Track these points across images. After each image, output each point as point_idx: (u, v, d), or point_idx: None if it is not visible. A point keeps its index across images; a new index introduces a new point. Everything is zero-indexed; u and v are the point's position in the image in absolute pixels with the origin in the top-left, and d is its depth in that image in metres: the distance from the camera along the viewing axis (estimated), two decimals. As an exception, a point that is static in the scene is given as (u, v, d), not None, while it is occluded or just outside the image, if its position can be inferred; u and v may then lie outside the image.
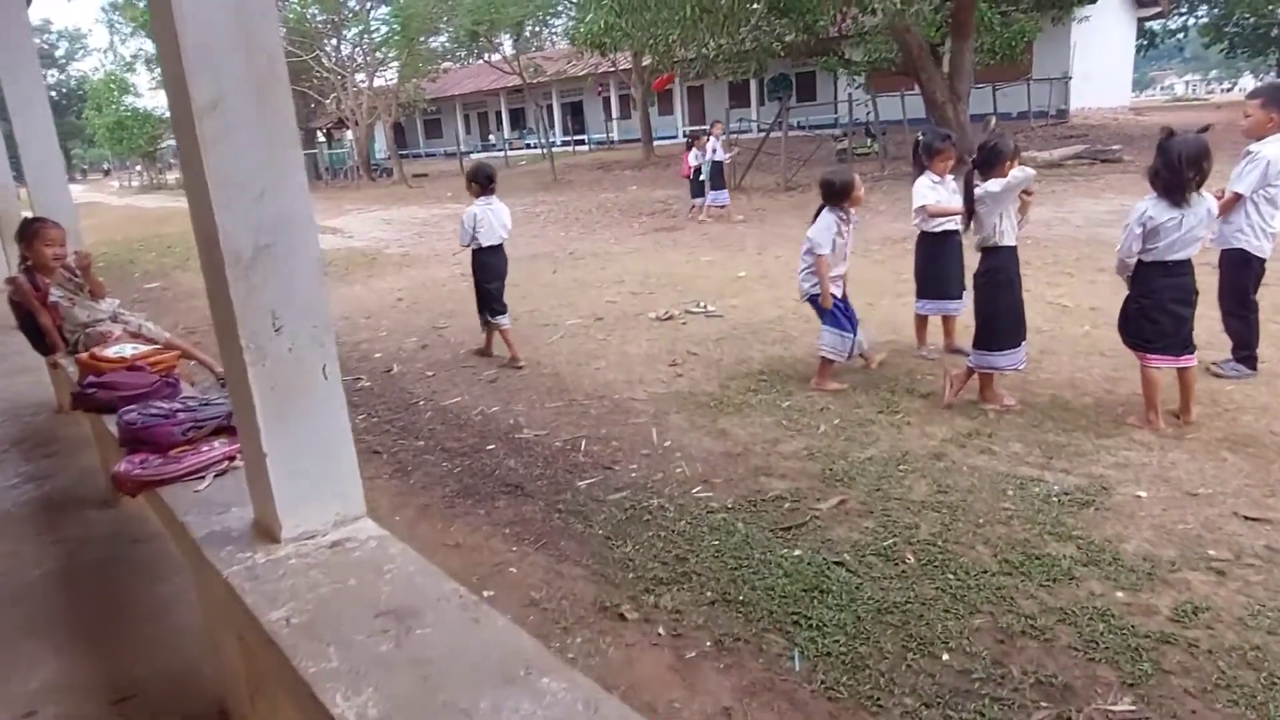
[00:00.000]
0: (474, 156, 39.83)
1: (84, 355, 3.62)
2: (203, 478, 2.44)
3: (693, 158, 13.76)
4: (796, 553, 3.21)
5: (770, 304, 7.38)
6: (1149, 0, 32.48)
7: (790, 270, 8.83)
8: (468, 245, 6.12)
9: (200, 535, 2.12)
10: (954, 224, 5.28)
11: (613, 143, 38.06)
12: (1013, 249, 4.38)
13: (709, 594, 2.97)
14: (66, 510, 3.78)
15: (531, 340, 6.77)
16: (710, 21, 13.88)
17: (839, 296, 4.98)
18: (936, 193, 5.18)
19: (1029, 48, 23.34)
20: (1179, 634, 2.55)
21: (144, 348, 3.75)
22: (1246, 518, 3.22)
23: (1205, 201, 3.84)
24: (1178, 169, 3.74)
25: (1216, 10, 38.54)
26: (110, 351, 3.62)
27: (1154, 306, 3.92)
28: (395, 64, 29.33)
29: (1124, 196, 12.15)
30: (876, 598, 2.86)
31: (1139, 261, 3.92)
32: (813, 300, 5.01)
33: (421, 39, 29.09)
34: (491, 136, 42.34)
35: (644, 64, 26.77)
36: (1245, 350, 4.68)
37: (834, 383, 5.03)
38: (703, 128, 15.76)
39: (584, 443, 4.50)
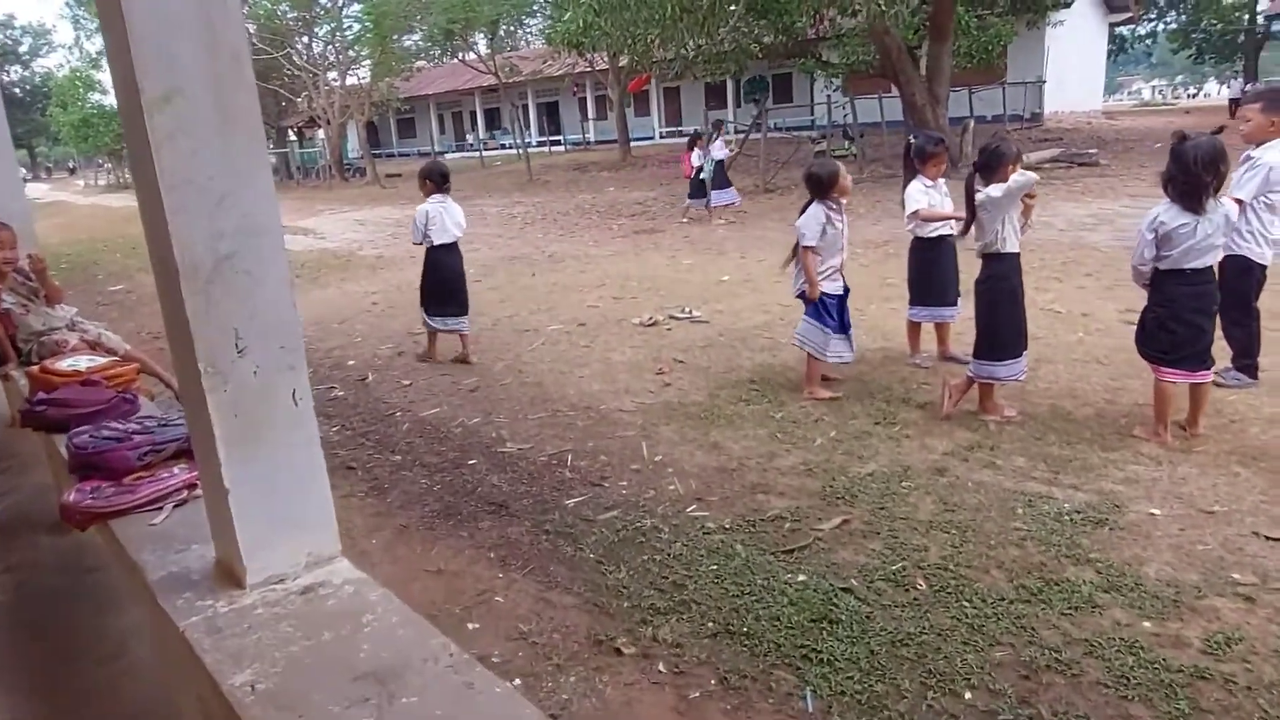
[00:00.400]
0: (448, 156, 39.46)
1: (34, 368, 3.37)
2: (160, 508, 2.22)
3: (695, 158, 13.60)
4: (801, 578, 3.03)
5: (756, 309, 7.21)
6: (1120, 6, 32.84)
7: (774, 274, 8.70)
8: (420, 243, 6.14)
9: (156, 578, 1.90)
10: (948, 229, 5.15)
11: (589, 143, 37.83)
12: (1016, 255, 4.24)
13: (711, 625, 2.79)
14: (17, 534, 3.51)
15: (512, 347, 6.55)
16: (690, 21, 13.73)
17: (832, 292, 4.82)
18: (929, 197, 5.04)
19: (1004, 52, 23.45)
20: (1213, 668, 2.40)
21: (101, 360, 3.50)
22: (1268, 538, 3.09)
23: (1223, 207, 3.71)
24: (1194, 173, 3.61)
25: (1185, 17, 39.10)
26: (64, 364, 3.37)
27: (1170, 316, 3.78)
28: (368, 62, 28.87)
29: (1103, 200, 12.17)
30: (889, 628, 2.69)
31: (1156, 270, 3.79)
32: (804, 296, 4.86)
33: (395, 37, 28.68)
34: (469, 136, 41.91)
35: (620, 64, 26.59)
36: (1247, 359, 4.58)
37: (825, 390, 4.88)
38: (697, 129, 15.60)
39: (570, 457, 4.29)
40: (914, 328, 5.37)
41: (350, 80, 31.93)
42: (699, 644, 2.69)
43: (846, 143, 22.39)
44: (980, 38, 20.71)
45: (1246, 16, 36.70)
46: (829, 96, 20.46)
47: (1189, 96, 69.16)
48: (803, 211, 4.83)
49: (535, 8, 31.56)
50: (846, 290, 4.92)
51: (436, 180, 6.08)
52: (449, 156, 39.63)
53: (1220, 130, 3.90)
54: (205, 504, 1.94)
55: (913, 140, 5.13)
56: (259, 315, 1.76)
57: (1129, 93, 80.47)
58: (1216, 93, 65.24)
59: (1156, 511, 3.35)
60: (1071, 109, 29.11)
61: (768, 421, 4.60)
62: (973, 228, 4.26)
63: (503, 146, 38.99)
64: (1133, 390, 4.71)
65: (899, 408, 4.67)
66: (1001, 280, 4.24)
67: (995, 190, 4.03)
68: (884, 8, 12.62)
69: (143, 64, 1.54)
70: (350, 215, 19.55)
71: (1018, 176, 4.06)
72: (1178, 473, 3.68)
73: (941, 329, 5.39)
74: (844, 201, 4.78)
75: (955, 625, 2.70)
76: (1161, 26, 42.36)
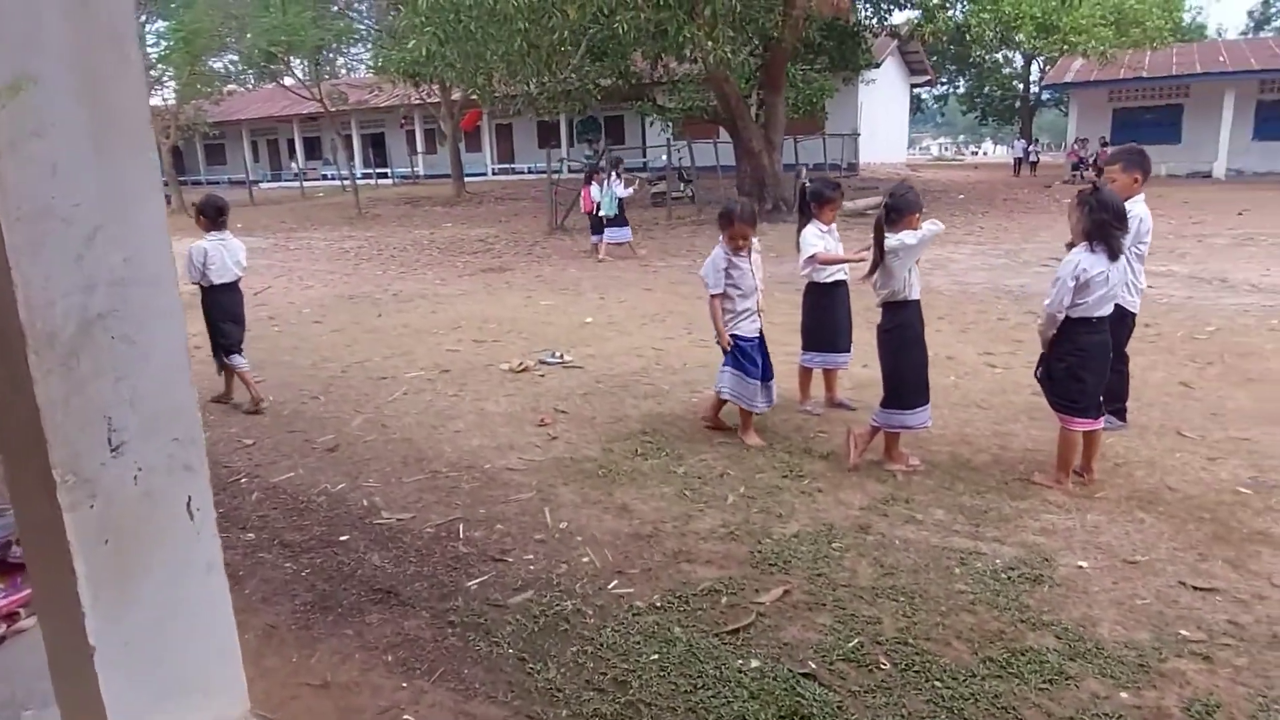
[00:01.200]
0: (264, 186, 37.00)
1: None
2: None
3: (595, 193, 13.14)
4: (755, 664, 2.71)
5: (628, 354, 6.94)
6: (919, 70, 35.98)
7: (638, 317, 8.50)
8: (196, 282, 5.51)
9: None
10: (843, 274, 5.10)
11: (418, 177, 36.70)
12: (918, 303, 4.21)
13: (669, 732, 2.41)
14: None
15: (370, 397, 5.90)
16: (535, 58, 13.49)
17: (747, 335, 4.62)
18: (825, 241, 4.97)
19: (824, 105, 24.93)
20: (1204, 742, 2.30)
21: None
22: (1195, 588, 3.11)
23: (1122, 258, 3.82)
24: (1116, 223, 3.69)
25: (971, 83, 43.44)
26: None
27: (1081, 365, 3.83)
28: (174, 83, 26.57)
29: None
30: (868, 720, 2.42)
31: (1065, 319, 3.83)
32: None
33: (204, 58, 26.58)
34: (295, 165, 39.48)
35: (454, 98, 25.97)
36: (1118, 403, 4.78)
37: (756, 437, 4.68)
38: (593, 164, 15.27)
39: (462, 527, 3.78)
40: (805, 374, 5.27)
41: (154, 100, 29.27)
42: (661, 758, 2.31)
43: (683, 185, 22.90)
44: (805, 90, 21.86)
45: (1022, 85, 41.27)
46: (669, 140, 20.81)
47: (971, 154, 76.98)
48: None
49: (363, 34, 30.35)
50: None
51: (211, 215, 5.56)
52: (265, 186, 37.20)
53: (1107, 184, 4.03)
54: (50, 658, 1.37)
55: (808, 184, 5.06)
56: (143, 398, 1.26)
57: (920, 148, 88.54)
58: (993, 151, 73.06)
59: (1084, 564, 3.31)
60: (881, 160, 31.39)
61: (671, 478, 4.29)
62: (877, 273, 4.18)
63: (325, 177, 37.08)
64: (1018, 435, 4.80)
65: (803, 459, 4.51)
66: (907, 328, 4.19)
67: (910, 237, 3.98)
68: (729, 56, 12.93)
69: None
70: (154, 246, 17.67)
71: (930, 225, 4.03)
72: (1088, 521, 3.70)
73: (830, 376, 5.33)
74: (750, 242, 4.59)
75: (933, 710, 2.47)
76: (952, 90, 46.83)
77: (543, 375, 6.35)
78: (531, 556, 3.50)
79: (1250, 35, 45.36)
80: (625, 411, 5.40)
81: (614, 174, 13.20)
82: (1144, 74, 27.41)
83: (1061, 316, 3.82)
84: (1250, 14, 50.19)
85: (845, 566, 3.33)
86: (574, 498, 4.07)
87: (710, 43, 12.93)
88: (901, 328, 4.17)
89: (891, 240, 4.00)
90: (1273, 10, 48.45)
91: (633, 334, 7.69)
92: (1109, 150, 26.91)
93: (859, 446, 4.33)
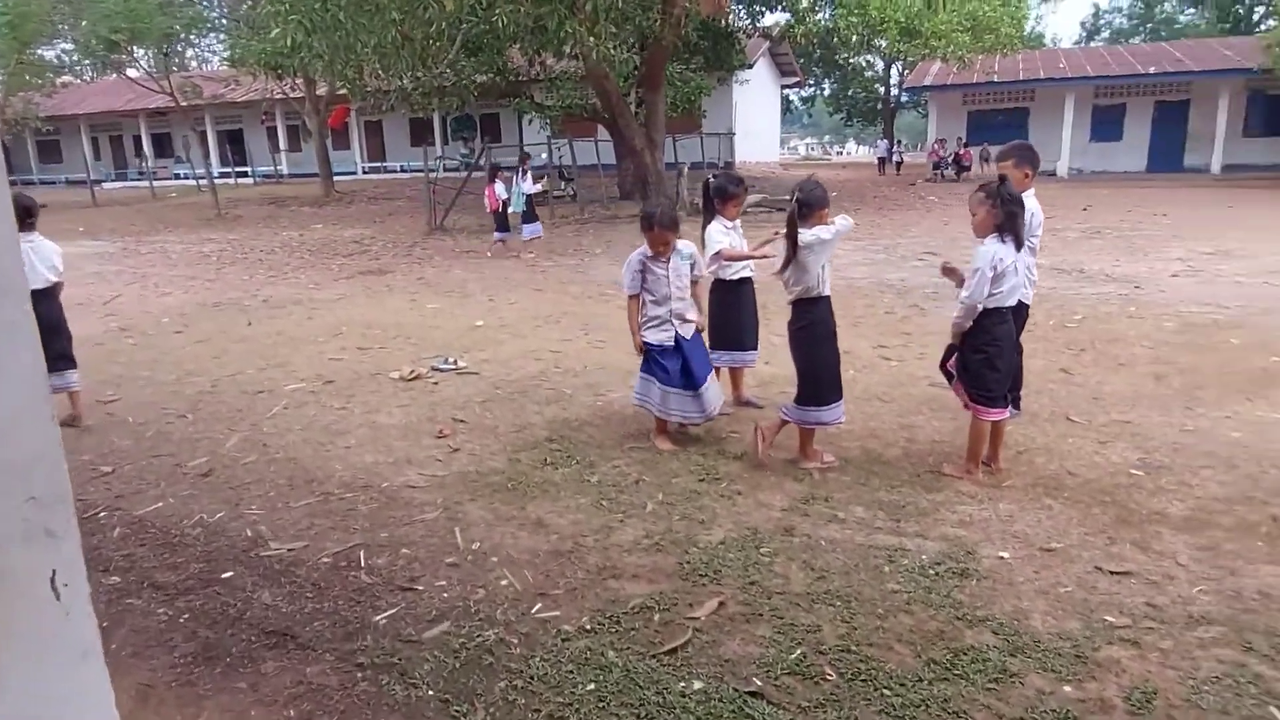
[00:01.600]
0: (108, 186, 34.27)
1: None
2: None
3: (499, 191, 12.99)
4: (698, 685, 2.56)
5: (525, 357, 6.68)
6: (789, 71, 37.01)
7: (531, 319, 8.24)
8: None
9: None
10: (749, 270, 5.03)
11: (281, 177, 34.88)
12: (829, 299, 4.17)
13: (617, 771, 2.22)
14: None
15: (245, 413, 5.41)
16: (410, 50, 12.94)
17: (656, 342, 4.46)
18: (730, 238, 4.88)
19: (701, 104, 25.23)
20: (1150, 732, 2.31)
21: None
22: (1111, 572, 3.17)
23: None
24: (1021, 213, 3.75)
25: (837, 85, 45.07)
26: None
27: (997, 356, 3.89)
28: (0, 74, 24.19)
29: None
30: (823, 739, 2.31)
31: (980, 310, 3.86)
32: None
33: (34, 46, 24.32)
34: (143, 163, 36.71)
35: (319, 92, 24.77)
36: (1014, 392, 4.90)
37: (667, 442, 4.52)
38: (495, 161, 15.19)
39: (363, 555, 3.46)
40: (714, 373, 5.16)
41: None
42: (610, 802, 2.12)
43: (564, 183, 22.66)
44: (683, 89, 22.05)
45: (883, 88, 43.15)
46: (549, 138, 20.52)
47: (836, 154, 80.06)
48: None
49: (215, 23, 28.54)
50: (691, 339, 4.55)
51: (19, 215, 4.95)
52: (109, 186, 34.47)
53: (1003, 179, 4.09)
54: None
55: (712, 180, 4.95)
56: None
57: (789, 148, 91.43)
58: (857, 151, 76.29)
59: (1005, 555, 3.33)
60: (756, 159, 32.08)
61: (585, 488, 4.09)
62: (789, 269, 4.10)
63: (177, 176, 34.72)
64: (923, 427, 4.86)
65: (717, 460, 4.40)
66: (819, 325, 4.14)
67: (825, 232, 3.92)
68: (610, 52, 12.79)
69: None
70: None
71: (842, 220, 3.99)
72: (1001, 510, 3.74)
73: (737, 374, 5.26)
74: (672, 246, 4.41)
75: (885, 721, 2.38)
76: (819, 92, 48.46)
77: (436, 383, 6.01)
78: (444, 583, 3.23)
79: (1084, 44, 49.12)
80: (529, 419, 5.15)
81: (522, 170, 13.21)
82: (995, 78, 29.12)
83: (980, 308, 3.85)
84: (1083, 24, 54.34)
85: (777, 572, 3.23)
86: (484, 514, 3.81)
87: (592, 39, 12.75)
88: (815, 325, 4.13)
89: (806, 235, 3.93)
90: (1101, 22, 52.60)
91: (528, 337, 7.43)
92: (970, 151, 28.50)
93: (766, 439, 4.27)
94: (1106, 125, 29.61)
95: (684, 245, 4.49)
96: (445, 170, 24.08)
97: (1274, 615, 2.83)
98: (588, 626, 2.89)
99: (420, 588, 3.19)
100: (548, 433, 4.88)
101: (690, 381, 4.44)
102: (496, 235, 13.39)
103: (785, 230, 4.01)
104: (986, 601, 2.98)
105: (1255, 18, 42.16)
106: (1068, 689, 2.50)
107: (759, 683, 2.57)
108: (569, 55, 15.91)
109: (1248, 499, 3.74)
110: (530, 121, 25.12)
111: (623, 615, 2.96)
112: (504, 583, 3.21)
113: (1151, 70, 27.98)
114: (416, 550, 3.49)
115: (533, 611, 3.00)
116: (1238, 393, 5.28)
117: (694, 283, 4.59)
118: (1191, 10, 47.36)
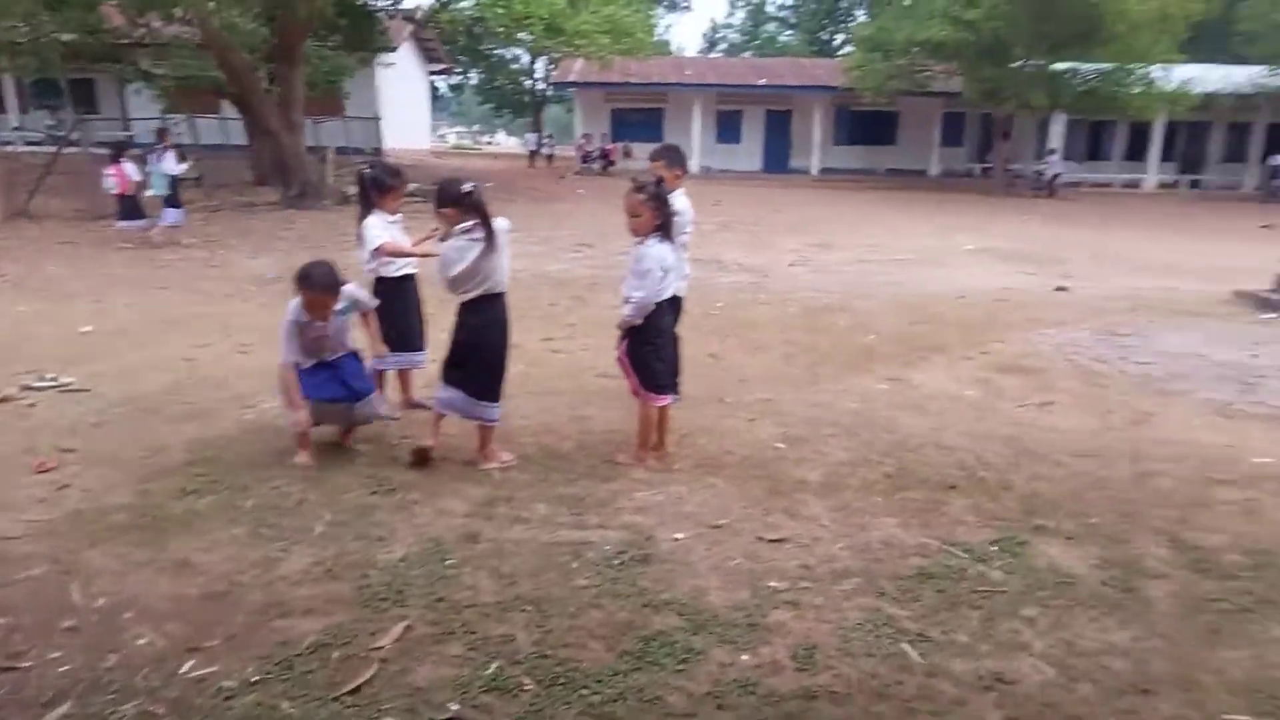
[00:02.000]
0: None
1: None
2: None
3: (130, 171, 10.80)
4: (390, 723, 2.36)
5: (152, 368, 5.76)
6: (436, 58, 36.34)
7: (156, 322, 7.19)
8: None
9: None
10: (412, 267, 4.79)
11: None
12: (503, 294, 4.11)
13: (303, 844, 1.96)
14: None
15: None
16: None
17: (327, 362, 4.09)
18: (390, 232, 4.59)
19: (343, 86, 23.87)
20: (814, 685, 2.55)
21: None
22: (770, 540, 3.50)
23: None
24: (672, 214, 3.96)
25: (484, 75, 45.15)
26: None
27: (663, 346, 4.09)
28: None
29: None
30: (528, 755, 2.24)
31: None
32: None
33: None
34: None
35: None
36: (674, 378, 5.24)
37: (304, 455, 4.13)
38: (121, 138, 12.44)
39: (-65, 637, 2.71)
40: (380, 378, 4.84)
41: None
42: None
43: (184, 165, 20.07)
44: (322, 67, 20.65)
45: (529, 81, 44.07)
46: (162, 112, 18.00)
47: (486, 143, 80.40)
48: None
49: None
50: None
51: None
52: None
53: (660, 181, 4.32)
54: None
55: (368, 171, 4.60)
56: None
57: (439, 136, 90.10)
58: (506, 142, 77.24)
59: (680, 536, 3.52)
60: (406, 146, 31.10)
61: (238, 516, 3.61)
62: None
63: None
64: (595, 418, 5.00)
65: (390, 470, 4.14)
66: (496, 322, 4.08)
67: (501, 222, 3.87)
68: (235, 20, 11.48)
69: None
70: None
71: (501, 221, 3.96)
72: (672, 493, 3.97)
73: (406, 376, 5.00)
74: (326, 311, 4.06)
75: (586, 722, 2.39)
76: (467, 81, 48.20)
77: (32, 405, 4.95)
78: (61, 653, 2.63)
79: (706, 54, 54.46)
80: (161, 441, 4.43)
81: (162, 147, 11.43)
82: (631, 80, 31.15)
83: (653, 305, 4.03)
84: (704, 35, 60.19)
85: (465, 584, 3.10)
86: (109, 562, 3.19)
87: (212, 3, 11.34)
88: (492, 321, 4.06)
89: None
90: (718, 35, 58.66)
91: (152, 344, 6.42)
92: (617, 146, 30.19)
93: (432, 426, 4.19)
94: (728, 129, 33.18)
95: (344, 295, 4.13)
96: (27, 145, 20.17)
97: (896, 562, 3.32)
98: (254, 678, 2.53)
99: (28, 664, 2.57)
100: (186, 455, 4.24)
101: (355, 393, 4.16)
102: (121, 224, 11.36)
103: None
104: (668, 584, 3.13)
105: (836, 43, 49.80)
106: (745, 657, 2.70)
107: (455, 707, 2.43)
108: (181, 20, 14.05)
109: (867, 461, 4.37)
110: (138, 92, 21.84)
111: (295, 658, 2.64)
112: (142, 642, 2.70)
113: (762, 82, 31.88)
114: (19, 618, 2.81)
115: (183, 671, 2.56)
116: (849, 368, 6.17)
117: (364, 315, 4.36)
118: (790, 32, 54.61)
